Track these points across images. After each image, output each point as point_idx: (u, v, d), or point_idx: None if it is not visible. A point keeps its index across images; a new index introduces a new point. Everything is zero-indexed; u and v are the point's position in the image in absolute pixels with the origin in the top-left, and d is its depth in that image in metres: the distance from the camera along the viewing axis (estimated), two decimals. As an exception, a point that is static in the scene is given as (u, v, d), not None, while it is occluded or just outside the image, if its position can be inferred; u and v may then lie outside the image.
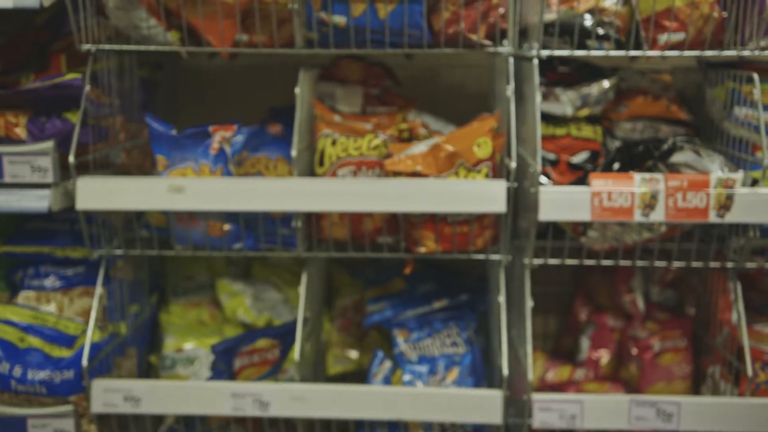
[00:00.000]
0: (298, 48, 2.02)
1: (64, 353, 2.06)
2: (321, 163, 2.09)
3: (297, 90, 2.04)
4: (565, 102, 2.17)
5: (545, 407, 1.99)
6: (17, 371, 2.01)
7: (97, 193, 1.97)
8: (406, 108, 2.30)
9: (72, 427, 2.06)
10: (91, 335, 2.05)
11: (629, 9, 2.06)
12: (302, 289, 2.13)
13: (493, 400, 2.00)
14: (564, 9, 2.07)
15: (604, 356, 2.41)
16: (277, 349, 2.22)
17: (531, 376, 2.00)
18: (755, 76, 1.98)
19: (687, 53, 2.00)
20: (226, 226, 2.08)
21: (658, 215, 1.90)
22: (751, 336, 2.11)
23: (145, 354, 2.41)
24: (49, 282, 2.21)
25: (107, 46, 2.04)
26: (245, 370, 2.19)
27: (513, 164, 1.96)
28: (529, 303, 2.05)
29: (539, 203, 1.90)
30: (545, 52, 2.00)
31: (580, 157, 2.17)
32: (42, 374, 2.02)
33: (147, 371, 2.42)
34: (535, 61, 1.98)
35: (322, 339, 2.53)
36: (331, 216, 2.09)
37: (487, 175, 1.99)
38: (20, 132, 1.99)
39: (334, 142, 2.09)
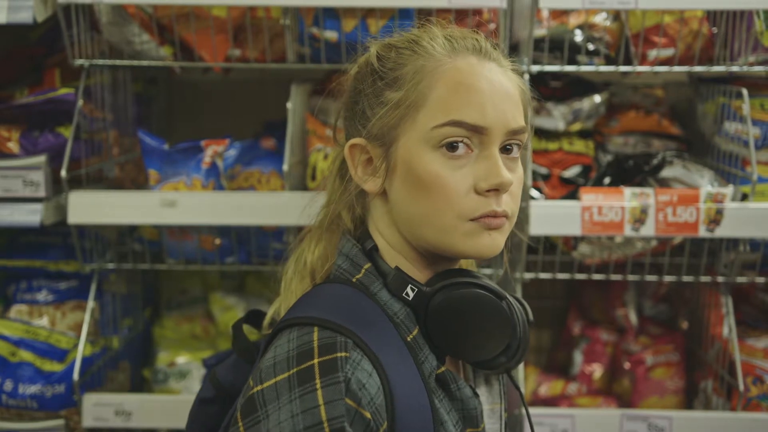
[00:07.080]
0: (290, 63, 2.03)
1: (56, 367, 2.05)
2: (313, 177, 2.09)
3: (289, 104, 2.05)
4: (557, 116, 2.18)
5: (537, 421, 1.99)
6: (8, 385, 2.00)
7: (89, 207, 1.97)
8: (398, 122, 2.31)
9: (63, 442, 2.06)
10: (82, 349, 2.05)
11: (619, 25, 2.07)
12: (294, 303, 2.13)
13: (484, 414, 2.00)
14: (554, 24, 2.08)
15: (597, 370, 2.41)
16: (269, 363, 2.21)
17: (523, 390, 2.00)
18: (744, 91, 1.99)
19: (677, 68, 2.02)
20: (218, 240, 2.08)
21: (648, 230, 1.90)
22: (742, 350, 2.11)
23: (138, 368, 2.41)
24: (42, 296, 2.21)
25: (101, 61, 2.05)
26: (237, 384, 2.18)
27: (504, 179, 1.96)
28: (521, 317, 2.05)
29: (530, 217, 1.91)
30: (536, 68, 2.01)
31: (572, 172, 2.18)
32: (33, 388, 2.02)
33: (140, 385, 2.42)
34: (526, 76, 1.99)
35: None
36: (323, 230, 2.09)
37: (478, 190, 1.99)
38: (13, 146, 2.00)
39: (326, 156, 2.09)
